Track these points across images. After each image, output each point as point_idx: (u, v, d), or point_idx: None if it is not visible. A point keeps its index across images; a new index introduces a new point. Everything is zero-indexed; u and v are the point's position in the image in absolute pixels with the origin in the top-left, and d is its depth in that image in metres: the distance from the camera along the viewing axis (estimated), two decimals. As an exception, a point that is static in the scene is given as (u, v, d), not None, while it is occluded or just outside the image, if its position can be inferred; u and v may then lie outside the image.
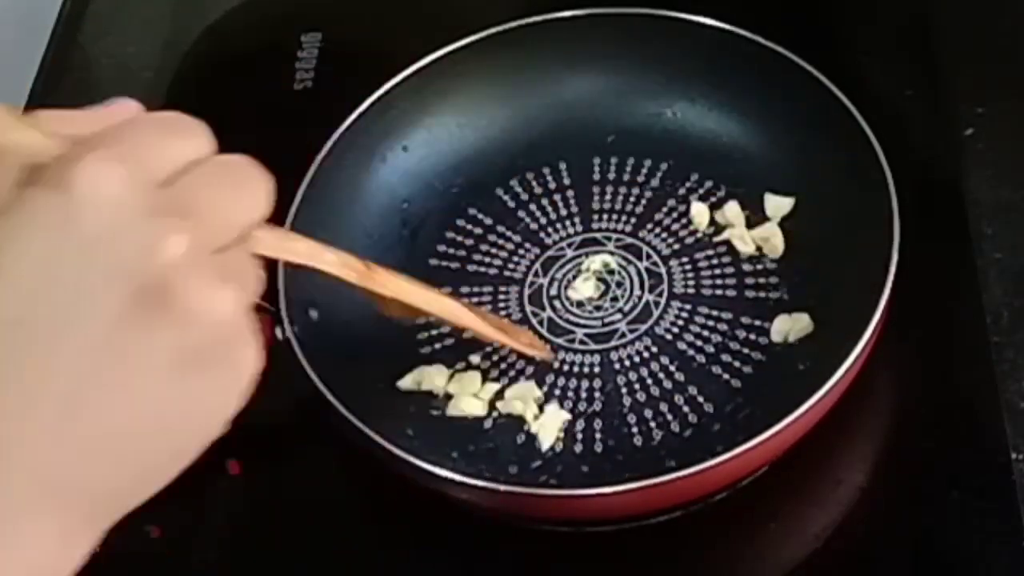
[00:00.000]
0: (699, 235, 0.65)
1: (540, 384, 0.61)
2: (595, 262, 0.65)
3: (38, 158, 0.34)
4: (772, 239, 0.64)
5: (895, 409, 0.62)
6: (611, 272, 0.64)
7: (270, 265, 0.45)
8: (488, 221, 0.67)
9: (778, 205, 0.65)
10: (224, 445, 0.61)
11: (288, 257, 0.46)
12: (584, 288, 0.64)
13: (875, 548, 0.57)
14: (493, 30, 0.68)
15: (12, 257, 0.33)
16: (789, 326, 0.61)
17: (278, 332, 0.58)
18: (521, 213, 0.68)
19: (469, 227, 0.67)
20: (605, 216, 0.67)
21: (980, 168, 0.68)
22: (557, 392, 0.61)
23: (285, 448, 0.63)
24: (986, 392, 0.60)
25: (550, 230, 0.67)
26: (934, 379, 0.62)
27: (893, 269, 0.57)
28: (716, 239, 0.65)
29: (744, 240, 0.64)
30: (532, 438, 0.60)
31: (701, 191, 0.67)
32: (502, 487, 0.55)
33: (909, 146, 0.67)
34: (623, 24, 0.68)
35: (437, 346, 0.63)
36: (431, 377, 0.61)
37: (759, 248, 0.64)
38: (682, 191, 0.67)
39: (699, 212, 0.65)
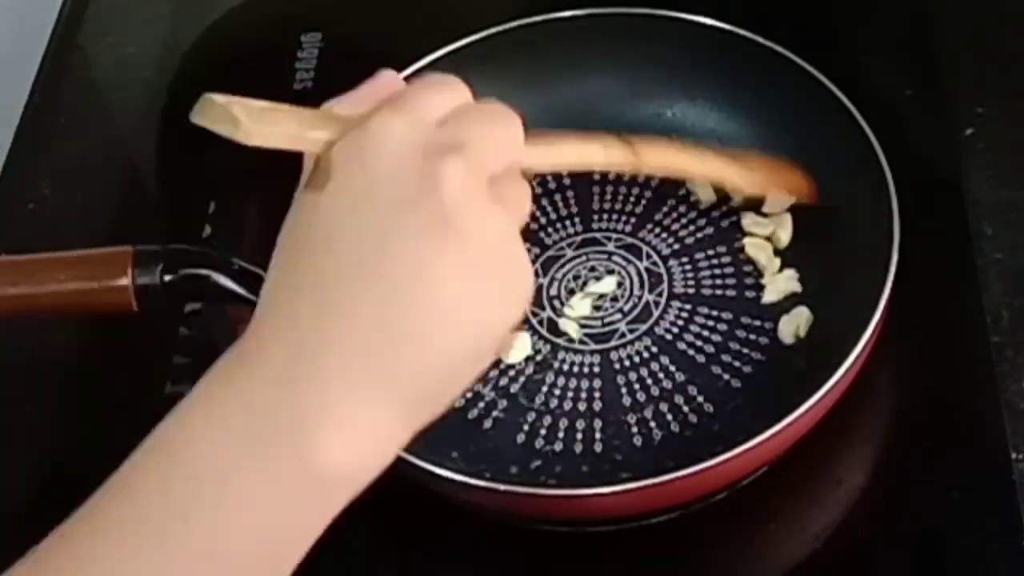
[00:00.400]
0: (700, 235, 0.65)
1: (540, 385, 0.61)
2: (599, 286, 0.64)
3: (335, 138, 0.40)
4: (779, 230, 0.64)
5: (895, 409, 0.62)
6: (615, 299, 0.64)
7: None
8: None
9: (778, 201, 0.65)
10: None
11: (558, 165, 0.51)
12: (580, 306, 0.64)
13: (875, 548, 0.57)
14: (493, 30, 0.68)
15: (331, 188, 0.39)
16: (795, 323, 0.61)
17: None
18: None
19: None
20: (605, 216, 0.67)
21: (980, 168, 0.68)
22: (557, 391, 0.61)
23: None
24: (986, 392, 0.60)
25: (550, 230, 0.67)
26: (934, 379, 0.62)
27: (893, 269, 0.57)
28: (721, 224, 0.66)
29: (759, 223, 0.65)
30: (532, 438, 0.60)
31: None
32: (502, 487, 0.55)
33: (909, 146, 0.67)
34: (623, 24, 0.68)
35: None
36: None
37: (768, 237, 0.64)
38: (682, 191, 0.67)
39: (703, 189, 0.66)
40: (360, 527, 0.61)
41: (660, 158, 0.57)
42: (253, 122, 0.38)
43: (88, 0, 0.86)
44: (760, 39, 0.66)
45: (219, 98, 0.38)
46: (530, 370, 0.62)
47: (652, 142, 0.57)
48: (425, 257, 0.39)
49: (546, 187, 0.68)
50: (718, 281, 0.64)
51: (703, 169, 0.61)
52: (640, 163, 0.55)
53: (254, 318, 0.40)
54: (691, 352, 0.61)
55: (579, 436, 0.59)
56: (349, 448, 0.38)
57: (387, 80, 0.43)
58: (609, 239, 0.66)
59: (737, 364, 0.61)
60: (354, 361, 0.38)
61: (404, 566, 0.60)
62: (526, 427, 0.60)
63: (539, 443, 0.59)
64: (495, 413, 0.61)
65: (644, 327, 0.63)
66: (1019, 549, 0.55)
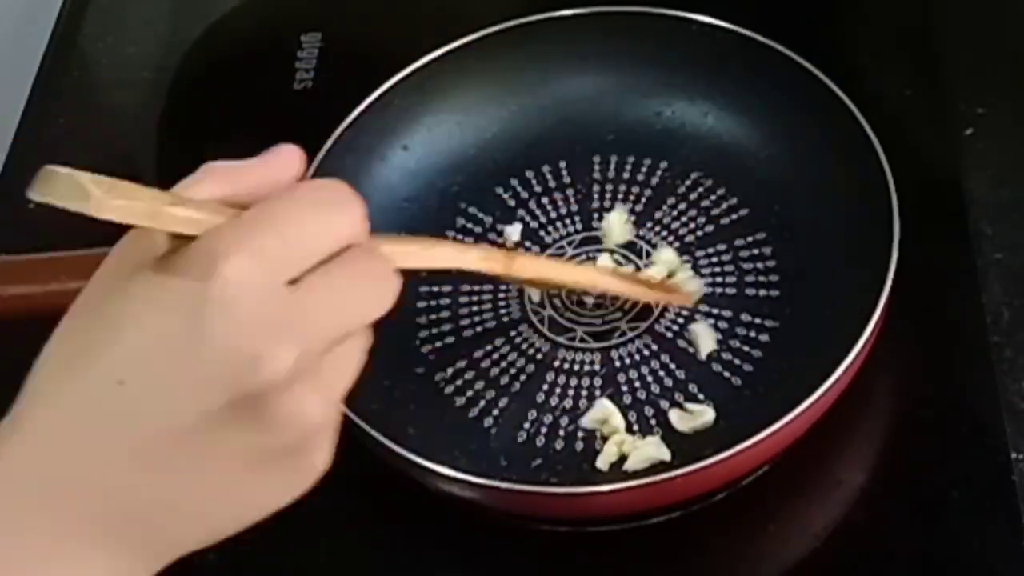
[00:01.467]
0: (699, 234, 0.65)
1: (541, 383, 0.61)
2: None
3: (189, 232, 0.36)
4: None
5: (895, 409, 0.62)
6: (615, 298, 0.64)
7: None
8: (488, 220, 0.67)
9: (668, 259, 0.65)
10: None
11: (431, 265, 0.47)
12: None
13: (875, 548, 0.57)
14: (493, 30, 0.68)
15: (134, 326, 0.35)
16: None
17: None
18: (521, 212, 0.68)
19: (469, 226, 0.67)
20: (605, 215, 0.67)
21: (980, 168, 0.68)
22: (558, 390, 0.61)
23: None
24: (986, 392, 0.60)
25: (550, 228, 0.67)
26: (934, 379, 0.62)
27: (893, 269, 0.57)
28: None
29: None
30: (533, 436, 0.60)
31: (701, 189, 0.67)
32: (502, 485, 0.55)
33: (909, 146, 0.67)
34: (623, 23, 0.68)
35: (438, 344, 0.64)
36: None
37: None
38: (681, 190, 0.67)
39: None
40: (360, 525, 0.62)
41: (538, 270, 0.59)
42: (106, 193, 0.35)
43: (88, 0, 0.86)
44: (760, 38, 0.66)
45: (63, 170, 0.35)
46: (531, 368, 0.62)
47: (534, 258, 0.60)
48: (214, 436, 0.35)
49: (546, 186, 0.68)
50: (718, 279, 0.64)
51: (581, 281, 0.62)
52: (511, 270, 0.54)
53: (29, 378, 0.36)
54: (691, 350, 0.61)
55: (580, 435, 0.59)
56: None
57: (284, 161, 0.39)
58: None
59: (737, 362, 0.61)
60: (88, 508, 0.35)
61: (404, 565, 0.60)
62: (527, 426, 0.60)
63: (540, 442, 0.59)
64: (496, 412, 0.61)
65: (644, 325, 0.62)
66: (1019, 549, 0.55)
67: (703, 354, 0.61)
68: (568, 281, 0.61)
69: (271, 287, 0.35)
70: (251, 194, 0.37)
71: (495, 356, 0.63)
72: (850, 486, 0.59)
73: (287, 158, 0.39)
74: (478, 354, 0.63)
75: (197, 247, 0.35)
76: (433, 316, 0.64)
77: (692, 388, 0.60)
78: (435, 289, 0.65)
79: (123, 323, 0.35)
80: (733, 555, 0.58)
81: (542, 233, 0.67)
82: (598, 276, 0.62)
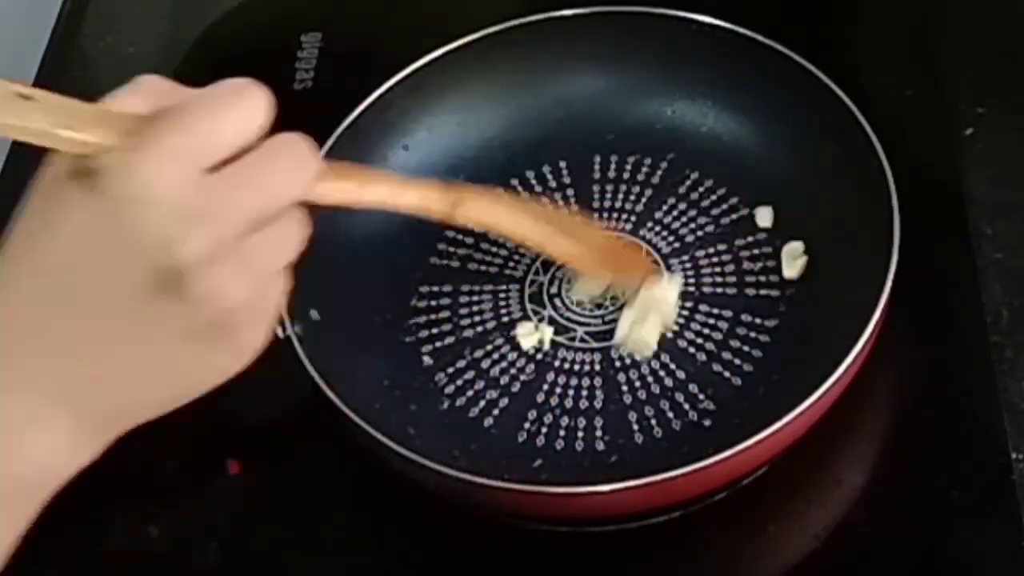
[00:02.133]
0: (700, 233, 0.66)
1: (541, 383, 0.61)
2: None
3: (83, 152, 0.39)
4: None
5: (895, 409, 0.62)
6: (615, 297, 0.64)
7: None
8: None
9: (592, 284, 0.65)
10: (224, 445, 0.62)
11: (366, 202, 0.48)
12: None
13: (875, 548, 0.57)
14: (493, 30, 0.68)
15: (65, 226, 0.39)
16: (795, 263, 0.63)
17: (278, 331, 0.58)
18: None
19: (470, 225, 0.67)
20: (605, 215, 0.67)
21: (980, 168, 0.68)
22: (558, 390, 0.61)
23: (285, 448, 0.63)
24: (986, 392, 0.60)
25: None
26: (934, 379, 0.62)
27: (893, 269, 0.57)
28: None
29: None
30: (533, 436, 0.60)
31: (701, 189, 0.67)
32: (502, 485, 0.55)
33: (909, 146, 0.67)
34: (623, 23, 0.68)
35: (438, 344, 0.63)
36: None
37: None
38: (682, 189, 0.67)
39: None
40: (360, 526, 0.62)
41: (479, 214, 0.56)
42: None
43: (88, 0, 0.86)
44: (761, 38, 0.66)
45: None
46: (531, 368, 0.62)
47: (481, 198, 0.56)
48: (147, 313, 0.39)
49: (547, 186, 0.68)
50: (718, 279, 0.64)
51: (524, 233, 0.59)
52: (455, 216, 0.54)
53: None
54: (692, 350, 0.61)
55: (580, 434, 0.60)
56: (22, 463, 0.40)
57: (163, 84, 0.42)
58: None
59: (738, 362, 0.61)
60: (43, 384, 0.40)
61: (403, 565, 0.60)
62: (527, 425, 0.60)
63: (540, 441, 0.60)
64: (496, 411, 0.61)
65: (645, 325, 0.63)
66: (1019, 549, 0.55)
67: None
68: (518, 236, 0.59)
69: (183, 178, 0.38)
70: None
71: (495, 356, 0.63)
72: (850, 486, 0.59)
73: (240, 88, 0.42)
74: (478, 354, 0.63)
75: (109, 153, 0.38)
76: (433, 316, 0.64)
77: (692, 388, 0.60)
78: (435, 289, 0.65)
79: (57, 225, 0.39)
80: (733, 555, 0.58)
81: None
82: (550, 237, 0.59)
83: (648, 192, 0.67)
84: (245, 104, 0.40)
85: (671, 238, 0.66)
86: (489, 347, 0.63)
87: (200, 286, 0.38)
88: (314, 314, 0.60)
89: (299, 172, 0.41)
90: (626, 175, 0.68)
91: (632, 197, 0.67)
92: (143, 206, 0.37)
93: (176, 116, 0.39)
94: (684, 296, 0.63)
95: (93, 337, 0.40)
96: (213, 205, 0.38)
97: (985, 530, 0.57)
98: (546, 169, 0.69)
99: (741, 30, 0.66)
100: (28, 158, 0.82)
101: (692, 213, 0.66)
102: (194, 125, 0.39)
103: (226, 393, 0.64)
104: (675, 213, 0.66)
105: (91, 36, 0.85)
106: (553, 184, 0.68)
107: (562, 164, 0.69)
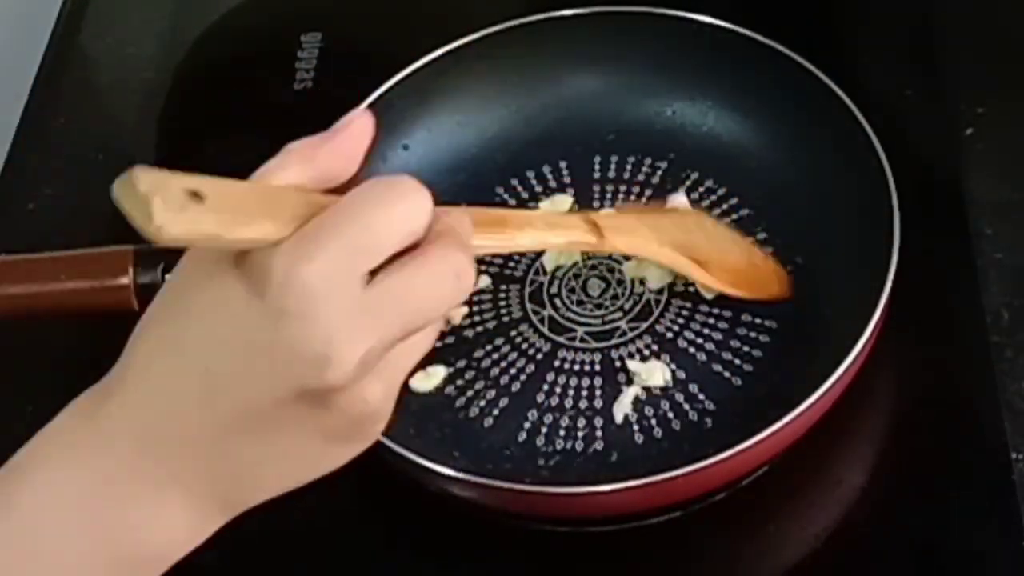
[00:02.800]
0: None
1: (541, 383, 0.61)
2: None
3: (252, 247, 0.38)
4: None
5: (895, 409, 0.62)
6: (615, 297, 0.64)
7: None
8: None
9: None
10: None
11: (516, 250, 0.50)
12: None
13: (875, 548, 0.57)
14: (493, 29, 0.69)
15: (219, 323, 0.38)
16: None
17: None
18: (522, 212, 0.68)
19: None
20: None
21: (980, 168, 0.69)
22: (558, 390, 0.61)
23: None
24: (986, 392, 0.60)
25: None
26: (934, 379, 0.62)
27: (893, 269, 0.57)
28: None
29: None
30: (533, 436, 0.60)
31: (701, 189, 0.67)
32: (502, 485, 0.55)
33: (909, 146, 0.67)
34: (623, 23, 0.68)
35: (438, 344, 0.63)
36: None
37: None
38: (682, 189, 0.67)
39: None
40: (361, 525, 0.62)
41: (624, 245, 0.57)
42: (170, 218, 0.35)
43: (88, 0, 0.86)
44: (760, 38, 0.66)
45: (143, 178, 0.35)
46: (531, 368, 0.62)
47: (623, 226, 0.56)
48: (287, 419, 0.39)
49: (547, 186, 0.68)
50: (719, 279, 0.64)
51: (665, 261, 0.60)
52: (603, 248, 0.54)
53: (126, 352, 0.40)
54: (692, 350, 0.61)
55: (580, 435, 0.60)
56: (153, 535, 0.41)
57: (356, 130, 0.42)
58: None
59: (738, 362, 0.61)
60: (180, 469, 0.40)
61: (404, 563, 0.60)
62: (527, 426, 0.60)
63: (540, 441, 0.60)
64: (496, 411, 0.61)
65: (645, 325, 0.63)
66: (1019, 548, 0.56)
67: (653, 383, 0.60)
68: (660, 261, 0.60)
69: (344, 295, 0.37)
70: (330, 171, 0.41)
71: (495, 356, 0.63)
72: (850, 486, 0.59)
73: (361, 125, 0.42)
74: (478, 354, 0.63)
75: (271, 257, 0.37)
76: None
77: (693, 388, 0.60)
78: None
79: (210, 319, 0.38)
80: (733, 555, 0.59)
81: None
82: (689, 267, 0.60)
83: (648, 192, 0.68)
84: (408, 206, 0.39)
85: (671, 238, 0.66)
86: (489, 347, 0.63)
87: (346, 399, 0.39)
88: None
89: (456, 289, 0.40)
90: (626, 175, 0.68)
91: (632, 198, 0.67)
92: (303, 323, 0.37)
93: (341, 221, 0.38)
94: (684, 296, 0.63)
95: (229, 434, 0.39)
96: (372, 326, 0.38)
97: (985, 530, 0.57)
98: (546, 169, 0.69)
99: (741, 30, 0.66)
100: (27, 159, 0.82)
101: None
102: (359, 234, 0.38)
103: None
104: (676, 213, 0.67)
105: (91, 36, 0.85)
106: (553, 184, 0.68)
107: (562, 164, 0.69)
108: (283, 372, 0.38)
